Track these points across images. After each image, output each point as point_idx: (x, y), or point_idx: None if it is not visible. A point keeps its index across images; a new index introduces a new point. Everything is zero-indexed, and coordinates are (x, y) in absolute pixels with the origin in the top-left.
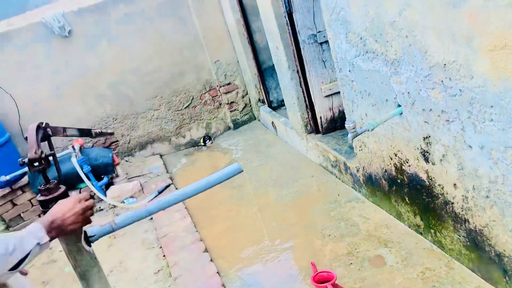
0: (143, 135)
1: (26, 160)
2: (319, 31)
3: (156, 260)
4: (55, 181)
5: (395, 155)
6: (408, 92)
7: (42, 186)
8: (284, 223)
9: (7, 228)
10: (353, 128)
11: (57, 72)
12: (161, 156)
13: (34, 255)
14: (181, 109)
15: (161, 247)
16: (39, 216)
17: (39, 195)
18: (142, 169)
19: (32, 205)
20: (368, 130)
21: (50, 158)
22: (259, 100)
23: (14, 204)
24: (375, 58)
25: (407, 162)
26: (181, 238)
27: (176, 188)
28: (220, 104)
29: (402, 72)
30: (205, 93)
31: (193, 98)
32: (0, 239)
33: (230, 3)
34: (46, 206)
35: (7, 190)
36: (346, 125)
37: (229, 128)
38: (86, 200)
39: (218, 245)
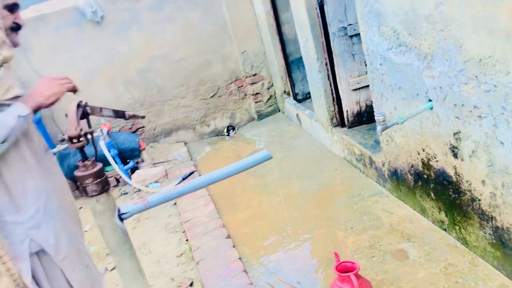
0: (168, 122)
1: (65, 137)
2: (350, 24)
3: (179, 244)
4: (93, 158)
5: (423, 150)
6: (440, 87)
7: (80, 162)
8: (306, 214)
9: None
10: (383, 120)
11: (87, 56)
12: (185, 143)
13: (20, 127)
14: (207, 98)
15: (184, 232)
16: None
17: (76, 170)
18: (167, 155)
19: None
20: (398, 123)
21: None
22: (284, 92)
23: None
24: (408, 51)
25: (435, 158)
26: (204, 223)
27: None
28: (245, 95)
29: (435, 66)
30: (231, 83)
31: (219, 87)
32: None
33: None
34: (82, 182)
35: None
36: (376, 117)
37: (253, 119)
38: (62, 78)
39: (241, 232)
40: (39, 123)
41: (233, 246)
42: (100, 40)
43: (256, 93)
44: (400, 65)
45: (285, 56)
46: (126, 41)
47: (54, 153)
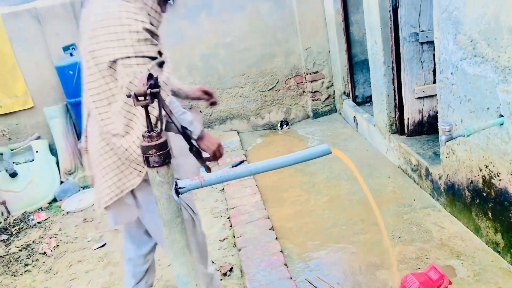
0: (224, 110)
1: (132, 93)
2: (422, 30)
3: (222, 229)
4: (158, 129)
5: (486, 167)
6: None
7: (146, 132)
8: (353, 218)
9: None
10: (449, 131)
11: None
12: (238, 133)
13: (182, 121)
14: (264, 91)
15: (228, 218)
16: None
17: (141, 140)
18: None
19: None
20: (464, 136)
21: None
22: (344, 93)
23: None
24: (484, 63)
25: (498, 176)
26: (249, 212)
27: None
28: (304, 92)
29: None
30: (290, 78)
31: (278, 81)
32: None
33: None
34: (146, 152)
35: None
36: (441, 126)
37: (308, 116)
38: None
39: (285, 226)
40: None
41: (276, 238)
42: (169, 23)
43: (315, 91)
44: (473, 76)
45: (350, 57)
46: (194, 26)
47: None
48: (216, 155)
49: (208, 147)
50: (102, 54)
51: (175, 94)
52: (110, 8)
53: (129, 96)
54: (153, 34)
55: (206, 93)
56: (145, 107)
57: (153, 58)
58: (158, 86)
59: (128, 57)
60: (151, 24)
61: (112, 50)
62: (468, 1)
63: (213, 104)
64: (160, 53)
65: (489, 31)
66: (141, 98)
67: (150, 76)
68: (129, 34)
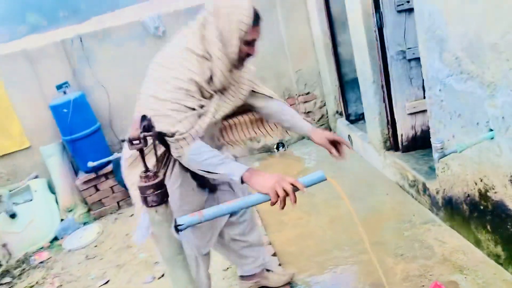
0: None
1: (126, 137)
2: (409, 48)
3: (225, 259)
4: (154, 170)
5: (481, 180)
6: (503, 117)
7: (142, 173)
8: (355, 237)
9: (89, 211)
10: (441, 148)
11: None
12: (235, 158)
13: (220, 177)
14: None
15: None
16: (118, 203)
17: (139, 181)
18: None
19: (113, 192)
20: (456, 152)
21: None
22: (337, 112)
23: (97, 189)
24: (470, 79)
25: (493, 189)
26: None
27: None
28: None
29: (498, 96)
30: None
31: None
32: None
33: (318, 16)
34: (144, 192)
35: (92, 175)
36: (433, 144)
37: (303, 137)
38: (290, 183)
39: (287, 250)
40: (98, 131)
41: (279, 264)
42: None
43: (308, 112)
44: (460, 92)
45: (340, 76)
46: None
47: (111, 161)
48: (278, 194)
49: (261, 188)
50: (143, 87)
51: (287, 128)
52: (173, 53)
53: (123, 141)
54: (203, 88)
55: (333, 142)
56: (140, 150)
57: (192, 109)
58: (151, 129)
59: (165, 100)
60: (211, 78)
61: (153, 87)
62: (450, 20)
63: (339, 158)
64: (201, 106)
65: (472, 48)
66: (136, 142)
67: (143, 118)
68: (173, 80)
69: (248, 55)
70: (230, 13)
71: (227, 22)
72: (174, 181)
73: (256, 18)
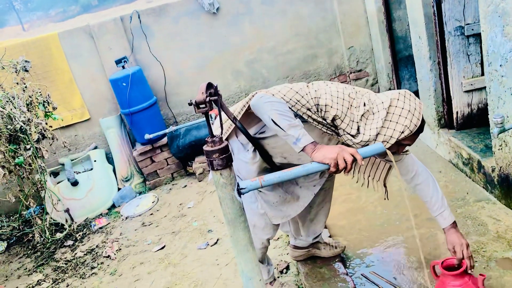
0: None
1: (193, 101)
2: (468, 24)
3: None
4: (220, 135)
5: None
6: None
7: (209, 138)
8: (406, 213)
9: (144, 181)
10: (501, 123)
11: (202, 45)
12: None
13: (284, 136)
14: None
15: None
16: (172, 174)
17: (205, 145)
18: None
19: (168, 164)
20: None
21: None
22: (390, 90)
23: (153, 161)
24: None
25: None
26: None
27: None
28: None
29: None
30: (334, 78)
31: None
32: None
33: None
34: (210, 156)
35: (148, 147)
36: (493, 119)
37: None
38: (351, 154)
39: (338, 224)
40: (154, 105)
41: (330, 236)
42: (214, 31)
43: None
44: None
45: (394, 53)
46: (238, 33)
47: (166, 133)
48: (338, 165)
49: (323, 158)
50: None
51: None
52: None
53: (190, 104)
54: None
55: (455, 252)
56: (206, 113)
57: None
58: (217, 95)
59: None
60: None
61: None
62: None
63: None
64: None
65: None
66: (202, 105)
67: (209, 85)
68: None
69: (394, 152)
70: (402, 115)
71: (393, 123)
72: (253, 156)
73: (420, 130)
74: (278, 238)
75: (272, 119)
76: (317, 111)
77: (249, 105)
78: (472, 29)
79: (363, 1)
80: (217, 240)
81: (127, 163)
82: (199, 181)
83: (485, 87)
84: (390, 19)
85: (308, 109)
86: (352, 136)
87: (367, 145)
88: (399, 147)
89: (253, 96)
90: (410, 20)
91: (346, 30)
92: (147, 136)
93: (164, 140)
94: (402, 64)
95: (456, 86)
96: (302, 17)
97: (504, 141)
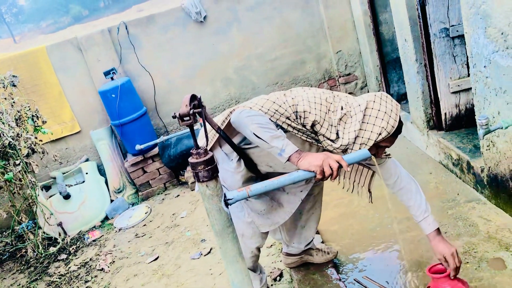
0: None
1: (177, 114)
2: (452, 25)
3: (268, 236)
4: (205, 147)
5: None
6: None
7: (194, 150)
8: (398, 216)
9: (137, 192)
10: (486, 124)
11: (190, 54)
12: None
13: (268, 148)
14: None
15: None
16: (164, 184)
17: (190, 157)
18: None
19: (159, 174)
20: (502, 128)
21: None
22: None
23: (145, 171)
24: None
25: None
26: None
27: None
28: None
29: None
30: (323, 83)
31: (311, 86)
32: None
33: None
34: (195, 168)
35: (140, 158)
36: (478, 121)
37: None
38: (336, 161)
39: (330, 229)
40: (144, 115)
41: (322, 241)
42: (202, 39)
43: (349, 93)
44: (506, 68)
45: (381, 56)
46: (226, 40)
47: (157, 143)
48: (324, 172)
49: (308, 166)
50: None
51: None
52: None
53: (174, 117)
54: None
55: (447, 262)
56: (190, 126)
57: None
58: (201, 106)
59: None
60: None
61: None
62: None
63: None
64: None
65: None
66: (186, 118)
67: (193, 97)
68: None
69: (374, 154)
70: (378, 117)
71: (370, 125)
72: (237, 166)
73: (398, 132)
74: (271, 245)
75: (254, 133)
76: (296, 118)
77: (229, 121)
78: (457, 31)
79: (350, 5)
80: (211, 249)
81: (119, 175)
82: (192, 190)
83: (472, 88)
84: (377, 22)
85: (287, 118)
86: (332, 141)
87: (347, 149)
88: (378, 149)
89: (231, 112)
90: (395, 23)
91: (334, 34)
92: (138, 147)
93: (156, 150)
94: (390, 67)
95: (443, 87)
96: (289, 23)
97: (491, 141)
